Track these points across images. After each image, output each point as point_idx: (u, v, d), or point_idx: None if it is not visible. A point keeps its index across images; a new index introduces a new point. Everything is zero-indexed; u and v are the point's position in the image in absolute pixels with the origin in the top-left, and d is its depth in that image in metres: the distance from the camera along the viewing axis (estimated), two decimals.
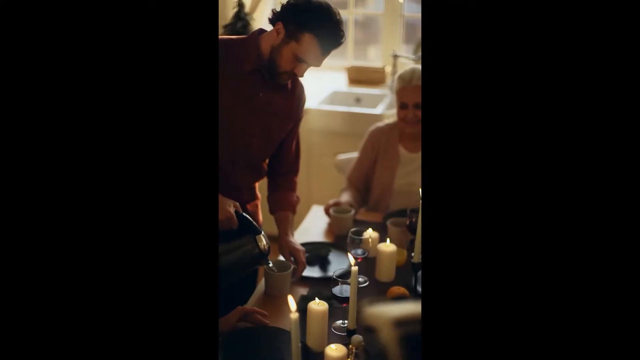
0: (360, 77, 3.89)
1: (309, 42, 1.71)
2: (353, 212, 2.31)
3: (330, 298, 1.79)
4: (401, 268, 2.01)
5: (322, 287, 1.91)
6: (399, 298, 1.80)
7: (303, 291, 1.90)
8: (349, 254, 1.89)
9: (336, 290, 1.67)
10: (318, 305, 1.60)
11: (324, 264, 2.07)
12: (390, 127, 2.51)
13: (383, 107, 3.53)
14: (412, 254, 2.10)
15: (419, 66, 2.47)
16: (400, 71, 2.47)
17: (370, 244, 1.96)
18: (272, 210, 2.13)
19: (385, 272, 1.94)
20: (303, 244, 2.13)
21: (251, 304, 1.84)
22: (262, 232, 1.73)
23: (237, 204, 1.74)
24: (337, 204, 2.37)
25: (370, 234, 1.98)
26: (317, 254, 2.09)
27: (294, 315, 1.19)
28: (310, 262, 2.06)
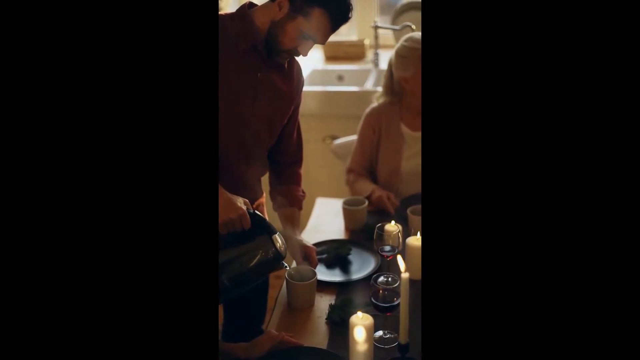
0: (338, 53, 3.66)
1: (319, 18, 1.53)
2: (367, 203, 2.10)
3: (365, 305, 1.59)
4: None
5: (349, 292, 1.70)
6: None
7: (328, 300, 1.69)
8: (381, 253, 1.70)
9: (377, 297, 1.46)
10: (362, 319, 1.39)
11: (345, 265, 1.85)
12: (388, 106, 2.29)
13: (371, 83, 3.31)
14: None
15: (418, 34, 2.24)
16: (399, 42, 2.24)
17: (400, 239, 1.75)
18: (277, 207, 1.91)
19: (416, 269, 1.73)
20: (318, 244, 1.93)
21: (275, 320, 1.62)
22: (278, 232, 1.53)
23: (247, 201, 1.54)
24: (379, 199, 2.16)
25: (397, 227, 1.76)
26: (336, 254, 1.87)
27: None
28: (330, 265, 1.85)
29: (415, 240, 1.75)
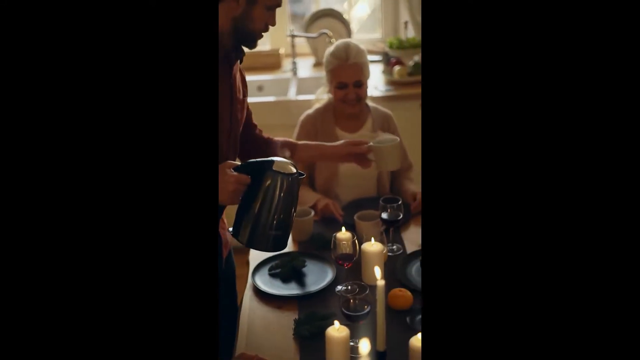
0: (254, 63, 3.63)
1: None
2: (312, 213, 2.09)
3: (332, 316, 1.58)
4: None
5: (311, 305, 1.69)
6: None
7: (291, 315, 1.66)
8: (339, 262, 1.70)
9: (347, 307, 1.46)
10: (339, 331, 1.38)
11: (301, 277, 1.84)
12: (322, 111, 2.32)
13: (293, 92, 3.31)
14: (393, 247, 1.96)
15: (351, 40, 2.28)
16: (330, 48, 2.26)
17: (351, 245, 1.75)
18: (270, 148, 1.87)
19: (374, 275, 1.74)
20: (269, 259, 1.90)
21: (243, 341, 1.58)
22: (272, 159, 1.53)
23: (230, 162, 1.52)
24: (326, 208, 2.14)
25: (351, 234, 1.76)
26: (290, 267, 1.85)
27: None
28: (286, 279, 1.82)
29: (370, 246, 1.75)
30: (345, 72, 2.19)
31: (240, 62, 1.66)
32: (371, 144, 1.86)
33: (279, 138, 1.91)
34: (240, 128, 1.73)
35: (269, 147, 1.88)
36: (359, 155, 1.87)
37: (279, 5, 1.57)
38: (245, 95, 1.75)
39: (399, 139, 1.90)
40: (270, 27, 1.58)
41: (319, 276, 1.83)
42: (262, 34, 1.60)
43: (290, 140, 1.94)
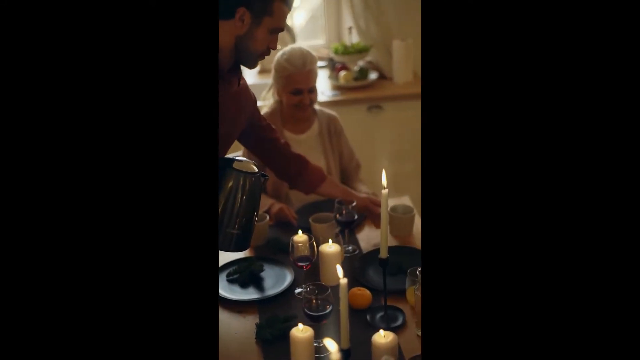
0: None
1: (281, 9, 1.58)
2: (267, 218, 2.09)
3: (291, 319, 1.59)
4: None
5: (272, 309, 1.69)
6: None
7: (252, 319, 1.66)
8: (298, 264, 1.71)
9: (310, 308, 1.47)
10: (303, 332, 1.39)
11: (259, 282, 1.84)
12: (269, 115, 2.34)
13: None
14: (349, 248, 1.98)
15: (302, 46, 2.30)
16: (282, 55, 2.26)
17: (308, 248, 1.76)
18: (314, 186, 2.01)
19: (333, 275, 1.76)
20: (227, 264, 1.90)
21: None
22: (235, 157, 1.56)
23: None
24: (280, 212, 2.15)
25: (305, 238, 1.77)
26: (249, 272, 1.85)
27: None
28: (245, 284, 1.82)
29: (328, 248, 1.77)
30: (302, 79, 2.22)
31: (238, 84, 1.68)
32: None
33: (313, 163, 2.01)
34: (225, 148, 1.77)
35: (304, 166, 1.98)
36: (375, 215, 2.02)
37: (282, 29, 1.61)
38: (244, 114, 1.78)
39: (415, 213, 2.06)
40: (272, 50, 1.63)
41: (277, 280, 1.83)
42: (264, 54, 1.62)
43: (322, 170, 2.03)
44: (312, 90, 2.26)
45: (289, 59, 2.22)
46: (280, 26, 1.60)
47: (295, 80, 2.22)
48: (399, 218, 2.03)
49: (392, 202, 2.15)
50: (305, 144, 2.34)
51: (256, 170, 1.53)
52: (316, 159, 2.31)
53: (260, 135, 1.88)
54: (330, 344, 1.10)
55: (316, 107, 2.40)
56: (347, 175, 2.43)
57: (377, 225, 2.02)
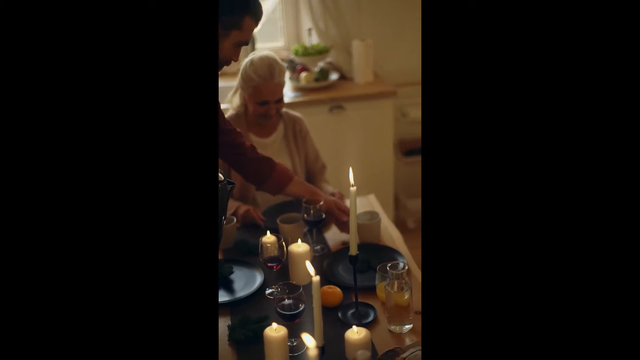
0: None
1: (249, 24, 1.62)
2: (235, 220, 2.09)
3: (263, 319, 1.60)
4: None
5: (243, 310, 1.69)
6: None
7: (224, 321, 1.66)
8: (268, 265, 1.72)
9: (283, 307, 1.48)
10: (277, 331, 1.40)
11: (229, 284, 1.83)
12: (234, 118, 2.35)
13: None
14: (318, 247, 1.99)
15: (269, 55, 2.27)
16: (251, 63, 2.24)
17: (278, 248, 1.77)
18: (282, 186, 2.01)
19: (303, 274, 1.77)
20: None
21: None
22: None
23: None
24: (247, 214, 2.15)
25: (274, 238, 1.78)
26: (219, 275, 1.84)
27: None
28: None
29: (298, 247, 1.78)
30: (269, 91, 2.22)
31: None
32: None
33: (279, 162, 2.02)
34: None
35: (272, 167, 1.98)
36: (341, 222, 2.01)
37: (247, 43, 1.64)
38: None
39: (380, 218, 2.05)
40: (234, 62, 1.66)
41: (248, 281, 1.83)
42: (223, 66, 1.65)
43: (289, 170, 2.02)
44: (280, 101, 2.26)
45: (257, 70, 2.20)
46: (247, 40, 1.63)
47: (262, 92, 2.21)
48: (366, 225, 2.02)
49: (358, 203, 2.16)
50: (270, 147, 2.34)
51: (222, 177, 1.52)
52: (282, 161, 2.32)
53: (225, 140, 1.88)
54: (308, 339, 1.11)
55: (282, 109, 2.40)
56: (313, 176, 2.44)
57: (342, 230, 2.02)
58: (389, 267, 1.57)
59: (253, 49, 3.36)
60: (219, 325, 1.64)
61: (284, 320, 1.49)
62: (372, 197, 2.38)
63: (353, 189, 1.53)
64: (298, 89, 3.30)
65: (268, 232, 1.82)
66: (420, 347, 1.44)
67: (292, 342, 1.53)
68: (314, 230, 2.00)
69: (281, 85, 2.25)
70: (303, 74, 3.30)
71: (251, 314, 1.65)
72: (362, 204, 2.29)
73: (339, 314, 1.64)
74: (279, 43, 3.86)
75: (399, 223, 3.55)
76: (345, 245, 1.99)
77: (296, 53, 3.40)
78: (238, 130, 1.92)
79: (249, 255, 1.96)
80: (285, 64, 3.48)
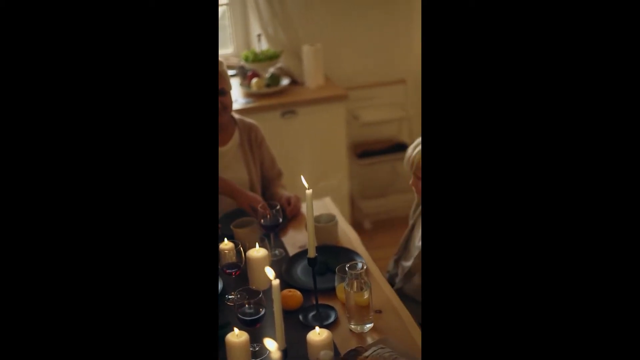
0: None
1: None
2: None
3: (225, 326, 1.59)
4: None
5: None
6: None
7: None
8: (226, 271, 1.71)
9: (244, 313, 1.47)
10: (238, 337, 1.39)
11: None
12: None
13: None
14: (276, 252, 1.99)
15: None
16: None
17: (236, 254, 1.76)
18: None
19: (262, 279, 1.77)
20: None
21: None
22: None
23: None
24: None
25: (231, 245, 1.77)
26: None
27: None
28: None
29: (256, 252, 1.78)
30: (222, 80, 2.19)
31: None
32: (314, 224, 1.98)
33: None
34: None
35: None
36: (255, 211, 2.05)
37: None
38: None
39: (337, 220, 2.08)
40: None
41: None
42: None
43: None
44: (223, 93, 2.22)
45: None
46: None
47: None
48: (323, 227, 2.03)
49: (314, 206, 2.17)
50: (226, 156, 2.31)
51: None
52: (238, 169, 2.31)
53: None
54: (270, 343, 1.11)
55: (236, 116, 2.38)
56: (269, 183, 2.43)
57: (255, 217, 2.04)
58: (348, 267, 1.58)
59: None
60: None
61: (245, 325, 1.48)
62: (328, 200, 2.39)
63: (309, 191, 1.54)
64: (249, 95, 3.30)
65: (225, 239, 1.81)
66: (381, 346, 1.45)
67: (255, 347, 1.52)
68: (272, 234, 2.00)
69: (221, 76, 2.19)
70: (254, 80, 3.30)
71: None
72: (319, 207, 2.30)
73: (300, 317, 1.65)
74: (229, 50, 3.84)
75: (356, 224, 3.58)
76: (302, 249, 1.99)
77: (246, 59, 3.40)
78: None
79: None
80: (235, 71, 3.50)
